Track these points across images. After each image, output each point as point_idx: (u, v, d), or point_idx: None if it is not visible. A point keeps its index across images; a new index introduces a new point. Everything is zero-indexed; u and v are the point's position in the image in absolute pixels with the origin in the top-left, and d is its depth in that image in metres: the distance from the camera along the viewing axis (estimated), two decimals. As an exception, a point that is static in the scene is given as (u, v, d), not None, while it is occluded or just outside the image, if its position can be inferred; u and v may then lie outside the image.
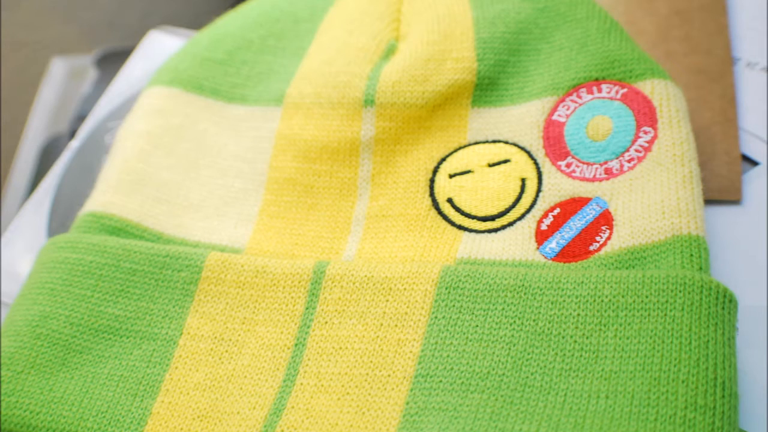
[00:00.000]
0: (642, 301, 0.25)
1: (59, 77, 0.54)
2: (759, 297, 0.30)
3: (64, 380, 0.28)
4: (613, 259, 0.28)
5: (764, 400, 0.28)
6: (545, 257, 0.29)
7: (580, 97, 0.32)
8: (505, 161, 0.32)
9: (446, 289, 0.27)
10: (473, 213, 0.31)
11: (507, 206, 0.31)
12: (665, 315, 0.25)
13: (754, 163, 0.33)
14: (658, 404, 0.23)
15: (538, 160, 0.31)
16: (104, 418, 0.27)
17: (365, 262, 0.30)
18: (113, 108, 0.44)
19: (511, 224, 0.30)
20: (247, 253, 0.32)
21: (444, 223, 0.31)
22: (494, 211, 0.31)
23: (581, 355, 0.25)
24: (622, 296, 0.26)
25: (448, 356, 0.26)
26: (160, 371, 0.28)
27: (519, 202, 0.31)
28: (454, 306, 0.27)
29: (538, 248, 0.30)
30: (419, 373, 0.26)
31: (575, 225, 0.29)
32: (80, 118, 0.49)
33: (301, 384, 0.27)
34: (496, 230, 0.31)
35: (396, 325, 0.27)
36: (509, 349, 0.26)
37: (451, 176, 0.32)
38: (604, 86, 0.32)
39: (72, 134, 0.48)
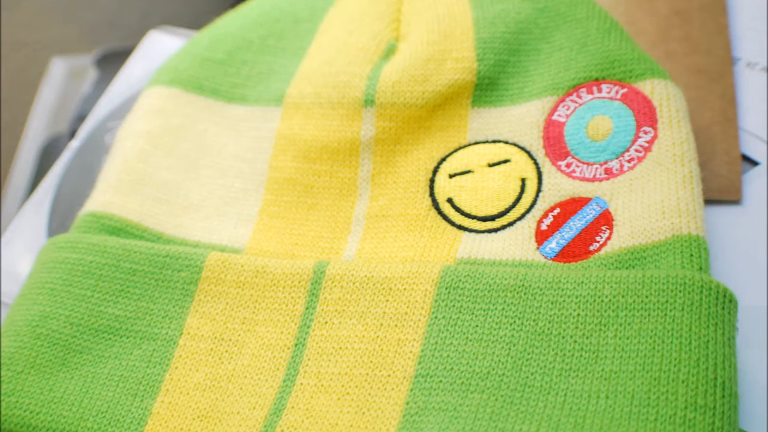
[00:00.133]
0: (642, 301, 0.25)
1: (59, 77, 0.54)
2: (759, 297, 0.30)
3: (64, 380, 0.28)
4: (613, 259, 0.28)
5: (764, 400, 0.28)
6: (545, 257, 0.29)
7: (580, 97, 0.32)
8: (505, 161, 0.32)
9: (446, 289, 0.27)
10: (473, 213, 0.31)
11: (507, 206, 0.31)
12: (665, 315, 0.25)
13: (754, 163, 0.33)
14: (658, 404, 0.23)
15: (538, 160, 0.31)
16: (104, 418, 0.27)
17: (365, 262, 0.30)
18: (113, 108, 0.44)
19: (511, 224, 0.30)
20: (247, 253, 0.32)
21: (444, 223, 0.31)
22: (494, 211, 0.31)
23: (581, 355, 0.25)
24: (622, 296, 0.26)
25: (448, 356, 0.26)
26: (160, 371, 0.28)
27: (519, 202, 0.31)
28: (454, 306, 0.27)
29: (538, 248, 0.30)
30: (419, 373, 0.26)
31: (575, 225, 0.29)
32: (80, 118, 0.49)
33: (301, 384, 0.27)
34: (496, 230, 0.31)
35: (396, 325, 0.27)
36: (509, 349, 0.26)
37: (451, 176, 0.32)
38: (604, 86, 0.32)
39: (72, 134, 0.48)
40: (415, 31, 0.35)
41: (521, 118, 0.32)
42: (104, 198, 0.33)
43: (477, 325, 0.27)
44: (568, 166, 0.31)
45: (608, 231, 0.29)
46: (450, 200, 0.32)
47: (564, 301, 0.26)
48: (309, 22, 0.38)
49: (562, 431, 0.24)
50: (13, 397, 0.28)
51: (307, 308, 0.29)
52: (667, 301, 0.25)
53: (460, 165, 0.32)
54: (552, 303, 0.26)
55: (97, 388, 0.28)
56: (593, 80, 0.32)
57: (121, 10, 0.67)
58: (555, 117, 0.32)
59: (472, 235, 0.31)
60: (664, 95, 0.31)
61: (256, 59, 0.37)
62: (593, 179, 0.30)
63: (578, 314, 0.26)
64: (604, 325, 0.25)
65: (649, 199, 0.29)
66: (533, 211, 0.30)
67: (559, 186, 0.31)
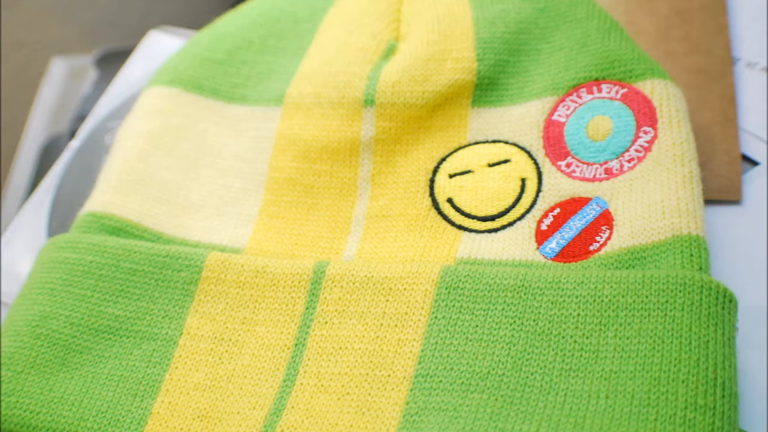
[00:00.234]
0: (642, 301, 0.25)
1: (59, 77, 0.54)
2: (759, 297, 0.30)
3: (64, 380, 0.28)
4: (613, 259, 0.28)
5: (764, 400, 0.28)
6: (545, 257, 0.29)
7: (580, 97, 0.32)
8: (505, 161, 0.32)
9: (446, 289, 0.27)
10: (473, 213, 0.31)
11: (507, 206, 0.31)
12: (665, 315, 0.25)
13: (754, 163, 0.33)
14: (658, 404, 0.23)
15: (538, 160, 0.31)
16: (104, 418, 0.27)
17: (365, 262, 0.30)
18: (113, 108, 0.44)
19: (511, 224, 0.30)
20: (247, 253, 0.32)
21: (444, 223, 0.31)
22: (494, 211, 0.31)
23: (581, 355, 0.25)
24: (622, 296, 0.26)
25: (448, 356, 0.26)
26: (160, 371, 0.28)
27: (519, 202, 0.31)
28: (454, 306, 0.27)
29: (538, 248, 0.30)
30: (419, 373, 0.26)
31: (575, 225, 0.29)
32: (80, 118, 0.49)
33: (301, 384, 0.27)
34: (496, 230, 0.31)
35: (396, 325, 0.27)
36: (509, 349, 0.26)
37: (451, 176, 0.32)
38: (604, 86, 0.32)
39: (72, 134, 0.48)
40: (415, 31, 0.35)
41: (521, 118, 0.32)
42: (104, 198, 0.33)
43: (477, 325, 0.27)
44: (568, 166, 0.31)
45: (608, 231, 0.29)
46: (450, 200, 0.32)
47: (564, 301, 0.26)
48: (309, 22, 0.38)
49: (562, 431, 0.24)
50: (13, 397, 0.28)
51: (307, 308, 0.29)
52: (667, 301, 0.25)
53: (460, 165, 0.32)
54: (552, 303, 0.26)
55: (97, 388, 0.28)
56: (593, 80, 0.32)
57: (121, 10, 0.67)
58: (555, 117, 0.32)
59: (472, 235, 0.31)
60: (664, 95, 0.31)
61: (256, 59, 0.37)
62: (593, 179, 0.30)
63: (578, 314, 0.26)
64: (604, 325, 0.25)
65: (649, 199, 0.29)
66: (533, 211, 0.30)
67: (559, 186, 0.31)
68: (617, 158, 0.30)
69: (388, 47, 0.35)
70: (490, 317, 0.27)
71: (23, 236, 0.40)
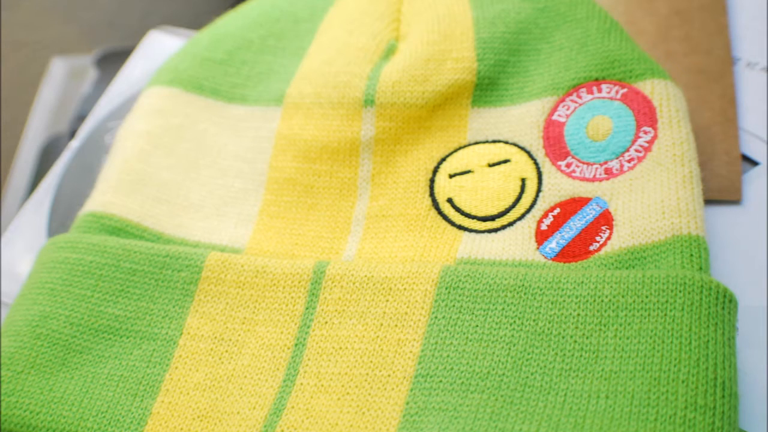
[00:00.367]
0: (642, 301, 0.25)
1: (59, 77, 0.54)
2: (759, 297, 0.30)
3: (64, 380, 0.28)
4: (613, 259, 0.28)
5: (764, 400, 0.28)
6: (545, 257, 0.29)
7: (580, 97, 0.32)
8: (505, 161, 0.32)
9: (446, 289, 0.27)
10: (473, 213, 0.31)
11: (507, 206, 0.31)
12: (665, 315, 0.25)
13: (754, 163, 0.33)
14: (658, 404, 0.23)
15: (538, 160, 0.31)
16: (104, 418, 0.27)
17: (365, 262, 0.30)
18: (113, 108, 0.44)
19: (511, 224, 0.30)
20: (247, 253, 0.32)
21: (444, 223, 0.31)
22: (494, 211, 0.31)
23: (581, 355, 0.25)
24: (622, 296, 0.26)
25: (448, 356, 0.26)
26: (160, 371, 0.28)
27: (519, 202, 0.31)
28: (454, 306, 0.27)
29: (538, 248, 0.30)
30: (419, 373, 0.26)
31: (575, 225, 0.29)
32: (80, 118, 0.49)
33: (301, 384, 0.27)
34: (496, 230, 0.31)
35: (396, 325, 0.27)
36: (509, 349, 0.26)
37: (451, 176, 0.32)
38: (604, 86, 0.32)
39: (72, 134, 0.48)
40: (415, 31, 0.35)
41: (521, 118, 0.32)
42: (104, 198, 0.33)
43: (477, 325, 0.27)
44: (568, 166, 0.31)
45: (608, 231, 0.29)
46: (450, 200, 0.32)
47: (564, 301, 0.26)
48: (309, 22, 0.38)
49: (562, 431, 0.24)
50: (13, 397, 0.28)
51: (307, 308, 0.29)
52: (667, 301, 0.25)
53: (460, 165, 0.32)
54: (552, 303, 0.26)
55: (97, 388, 0.28)
56: (593, 80, 0.32)
57: (121, 10, 0.67)
58: (555, 117, 0.32)
59: (472, 235, 0.31)
60: (664, 95, 0.31)
61: (256, 59, 0.37)
62: (593, 179, 0.30)
63: (578, 314, 0.26)
64: (604, 325, 0.25)
65: (649, 199, 0.29)
66: (533, 211, 0.30)
67: (559, 186, 0.31)
68: (617, 158, 0.30)
69: (388, 47, 0.35)
70: (490, 317, 0.27)
71: (23, 236, 0.40)
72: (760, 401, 0.28)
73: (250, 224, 0.33)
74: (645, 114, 0.31)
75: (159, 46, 0.46)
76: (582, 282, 0.26)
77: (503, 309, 0.27)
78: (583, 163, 0.31)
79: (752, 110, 0.34)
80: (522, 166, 0.31)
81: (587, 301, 0.26)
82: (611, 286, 0.26)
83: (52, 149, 0.50)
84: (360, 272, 0.29)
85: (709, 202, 0.32)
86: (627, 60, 0.32)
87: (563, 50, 0.33)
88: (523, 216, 0.30)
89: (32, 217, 0.40)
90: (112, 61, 0.52)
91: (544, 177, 0.31)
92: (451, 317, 0.27)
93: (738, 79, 0.35)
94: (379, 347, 0.27)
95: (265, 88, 0.36)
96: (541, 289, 0.27)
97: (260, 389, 0.27)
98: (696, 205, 0.28)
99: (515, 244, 0.30)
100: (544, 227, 0.30)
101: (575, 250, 0.29)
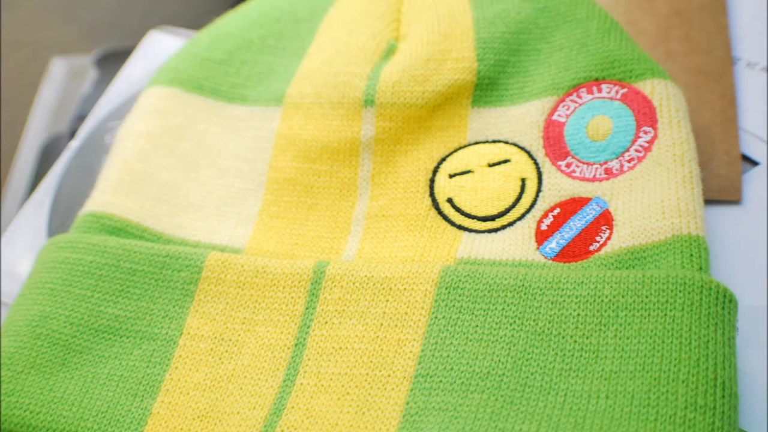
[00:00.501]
0: (642, 301, 0.25)
1: (59, 77, 0.54)
2: (759, 297, 0.30)
3: (64, 380, 0.28)
4: (613, 259, 0.28)
5: (764, 400, 0.28)
6: (545, 257, 0.29)
7: (580, 97, 0.32)
8: (505, 161, 0.32)
9: (446, 289, 0.27)
10: (473, 213, 0.31)
11: (507, 206, 0.31)
12: (665, 315, 0.25)
13: (754, 163, 0.33)
14: (658, 404, 0.23)
15: (538, 160, 0.31)
16: (104, 418, 0.27)
17: (365, 262, 0.30)
18: (113, 108, 0.44)
19: (511, 224, 0.30)
20: (247, 253, 0.32)
21: (444, 223, 0.31)
22: (494, 211, 0.31)
23: (581, 355, 0.25)
24: (622, 296, 0.26)
25: (448, 356, 0.26)
26: (160, 371, 0.28)
27: (519, 202, 0.31)
28: (454, 306, 0.27)
29: (538, 248, 0.30)
30: (419, 373, 0.26)
31: (575, 225, 0.29)
32: (80, 118, 0.49)
33: (301, 384, 0.27)
34: (496, 230, 0.31)
35: (396, 325, 0.27)
36: (509, 349, 0.26)
37: (451, 176, 0.32)
38: (604, 86, 0.32)
39: (72, 134, 0.48)
40: (415, 31, 0.35)
41: (521, 118, 0.32)
42: (104, 198, 0.33)
43: (477, 325, 0.27)
44: (568, 166, 0.31)
45: (608, 231, 0.29)
46: (450, 200, 0.32)
47: (564, 301, 0.26)
48: (309, 22, 0.38)
49: (562, 431, 0.24)
50: (13, 397, 0.28)
51: (307, 308, 0.29)
52: (667, 301, 0.25)
53: (460, 165, 0.32)
54: (552, 303, 0.26)
55: (97, 388, 0.28)
56: (593, 80, 0.32)
57: (121, 10, 0.67)
58: (555, 117, 0.32)
59: (472, 235, 0.31)
60: (664, 95, 0.31)
61: (256, 59, 0.37)
62: (593, 179, 0.30)
63: (578, 314, 0.26)
64: (604, 325, 0.25)
65: (649, 199, 0.29)
66: (533, 211, 0.30)
67: (559, 186, 0.31)
68: (617, 158, 0.30)
69: (388, 47, 0.35)
70: (490, 317, 0.27)
71: (23, 236, 0.40)
72: (760, 401, 0.28)
73: (250, 224, 0.33)
74: (645, 114, 0.31)
75: (159, 46, 0.46)
76: (582, 282, 0.26)
77: (503, 309, 0.27)
78: (583, 163, 0.31)
79: (752, 110, 0.34)
80: (522, 166, 0.31)
81: (587, 301, 0.26)
82: (611, 286, 0.26)
83: (52, 149, 0.50)
84: (360, 272, 0.29)
85: (709, 202, 0.32)
86: (627, 60, 0.32)
87: (563, 50, 0.33)
88: (523, 216, 0.30)
89: (32, 217, 0.40)
90: (112, 61, 0.52)
91: (544, 177, 0.31)
92: (451, 317, 0.27)
93: (738, 79, 0.35)
94: (379, 347, 0.27)
95: (265, 88, 0.36)
96: (541, 289, 0.27)
97: (260, 389, 0.27)
98: (696, 205, 0.28)
99: (515, 244, 0.30)
100: (544, 227, 0.30)
101: (575, 250, 0.29)
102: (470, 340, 0.26)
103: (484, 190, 0.31)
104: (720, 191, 0.32)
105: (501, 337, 0.26)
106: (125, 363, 0.29)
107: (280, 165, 0.34)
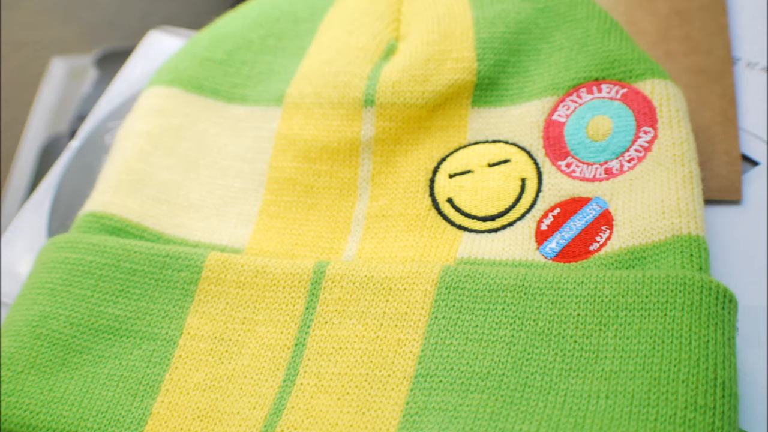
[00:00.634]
0: (642, 301, 0.25)
1: (59, 77, 0.54)
2: (759, 297, 0.30)
3: (64, 380, 0.28)
4: (613, 259, 0.28)
5: (764, 400, 0.28)
6: (545, 257, 0.29)
7: (580, 97, 0.32)
8: (505, 161, 0.32)
9: (446, 289, 0.27)
10: (473, 213, 0.31)
11: (507, 206, 0.31)
12: (665, 315, 0.25)
13: (754, 163, 0.33)
14: (658, 404, 0.23)
15: (538, 160, 0.31)
16: (104, 418, 0.27)
17: (365, 262, 0.30)
18: (113, 108, 0.44)
19: (511, 224, 0.30)
20: (247, 253, 0.32)
21: (444, 223, 0.31)
22: (494, 211, 0.31)
23: (581, 355, 0.25)
24: (622, 296, 0.26)
25: (448, 356, 0.26)
26: (160, 371, 0.28)
27: (519, 202, 0.31)
28: (454, 306, 0.27)
29: (538, 248, 0.30)
30: (419, 373, 0.26)
31: (575, 225, 0.29)
32: (80, 118, 0.49)
33: (301, 384, 0.27)
34: (496, 230, 0.31)
35: (396, 325, 0.27)
36: (509, 349, 0.26)
37: (451, 176, 0.32)
38: (604, 86, 0.32)
39: (72, 134, 0.48)
40: (415, 31, 0.35)
41: (521, 118, 0.32)
42: (104, 198, 0.33)
43: (477, 325, 0.27)
44: (568, 166, 0.31)
45: (608, 231, 0.29)
46: (450, 200, 0.32)
47: (564, 301, 0.26)
48: (309, 22, 0.38)
49: (562, 431, 0.24)
50: (13, 397, 0.28)
51: (307, 308, 0.29)
52: (667, 301, 0.25)
53: (460, 165, 0.32)
54: (552, 303, 0.26)
55: (97, 388, 0.28)
56: (593, 80, 0.32)
57: (121, 10, 0.67)
58: (555, 117, 0.32)
59: (472, 235, 0.31)
60: (664, 95, 0.31)
61: (256, 59, 0.37)
62: (593, 179, 0.30)
63: (578, 314, 0.26)
64: (604, 325, 0.25)
65: (649, 199, 0.29)
66: (533, 211, 0.30)
67: (559, 186, 0.31)
68: (617, 158, 0.30)
69: (388, 47, 0.35)
70: (490, 317, 0.27)
71: (23, 236, 0.40)
72: (760, 401, 0.28)
73: (250, 224, 0.33)
74: (645, 114, 0.31)
75: (159, 46, 0.46)
76: (582, 282, 0.26)
77: (503, 309, 0.27)
78: (583, 163, 0.31)
79: (752, 110, 0.34)
80: (522, 166, 0.31)
81: (587, 301, 0.26)
82: (611, 286, 0.26)
83: (52, 149, 0.50)
84: (360, 272, 0.29)
85: (709, 202, 0.32)
86: (627, 60, 0.32)
87: (563, 50, 0.33)
88: (523, 216, 0.30)
89: (32, 217, 0.40)
90: (112, 61, 0.52)
91: (544, 177, 0.31)
92: (451, 317, 0.27)
93: (738, 79, 0.35)
94: (379, 347, 0.27)
95: (265, 88, 0.36)
96: (541, 289, 0.27)
97: (260, 389, 0.27)
98: (696, 205, 0.28)
99: (515, 244, 0.30)
100: (544, 227, 0.30)
101: (575, 250, 0.29)
102: (470, 340, 0.26)
103: (484, 190, 0.31)
104: (720, 191, 0.32)
105: (501, 337, 0.26)
106: (125, 363, 0.29)
107: (280, 165, 0.34)
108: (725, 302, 0.25)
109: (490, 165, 0.32)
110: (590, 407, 0.24)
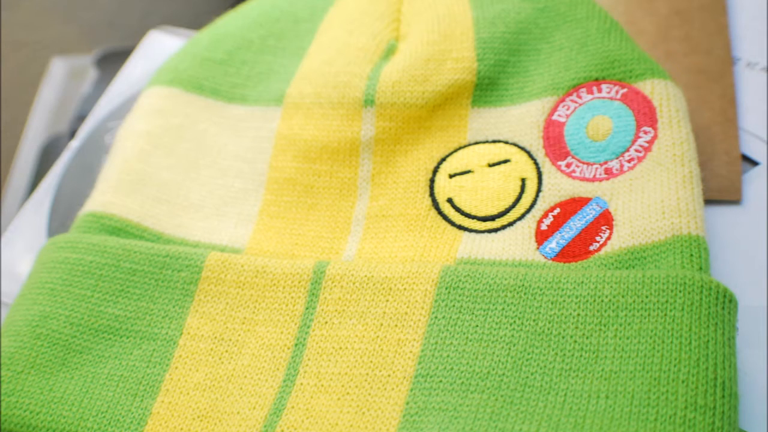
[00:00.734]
0: (642, 301, 0.25)
1: (59, 77, 0.54)
2: (759, 297, 0.30)
3: (64, 380, 0.28)
4: (613, 259, 0.28)
5: (764, 400, 0.28)
6: (545, 257, 0.29)
7: (580, 97, 0.32)
8: (505, 161, 0.32)
9: (446, 289, 0.27)
10: (473, 213, 0.31)
11: (507, 206, 0.31)
12: (665, 315, 0.25)
13: (754, 163, 0.33)
14: (658, 404, 0.23)
15: (538, 160, 0.31)
16: (104, 418, 0.27)
17: (365, 262, 0.30)
18: (113, 108, 0.44)
19: (511, 224, 0.30)
20: (247, 253, 0.32)
21: (444, 223, 0.31)
22: (494, 211, 0.31)
23: (581, 355, 0.25)
24: (622, 296, 0.26)
25: (448, 356, 0.26)
26: (160, 371, 0.28)
27: (519, 202, 0.31)
28: (454, 306, 0.27)
29: (538, 248, 0.30)
30: (419, 373, 0.26)
31: (575, 225, 0.29)
32: (80, 118, 0.49)
33: (301, 384, 0.27)
34: (496, 230, 0.31)
35: (396, 325, 0.27)
36: (509, 349, 0.26)
37: (451, 176, 0.32)
38: (604, 86, 0.32)
39: (72, 134, 0.48)
40: (415, 31, 0.35)
41: (521, 118, 0.32)
42: (104, 198, 0.33)
43: (477, 325, 0.27)
44: (568, 166, 0.31)
45: (608, 231, 0.29)
46: (450, 200, 0.32)
47: (564, 301, 0.26)
48: (309, 22, 0.38)
49: (562, 431, 0.24)
50: (13, 397, 0.28)
51: (307, 308, 0.29)
52: (667, 301, 0.25)
53: (460, 165, 0.32)
54: (552, 303, 0.26)
55: (97, 388, 0.28)
56: (593, 80, 0.32)
57: (121, 10, 0.67)
58: (555, 117, 0.32)
59: (472, 235, 0.31)
60: (664, 95, 0.31)
61: (256, 59, 0.37)
62: (593, 179, 0.30)
63: (578, 314, 0.26)
64: (604, 325, 0.25)
65: (649, 199, 0.29)
66: (533, 211, 0.30)
67: (559, 186, 0.31)
68: (617, 158, 0.30)
69: (388, 47, 0.35)
70: (490, 317, 0.27)
71: (23, 236, 0.40)
72: (760, 401, 0.28)
73: (250, 224, 0.33)
74: (645, 114, 0.31)
75: (159, 46, 0.46)
76: (582, 282, 0.26)
77: (503, 309, 0.27)
78: (583, 163, 0.31)
79: (752, 110, 0.34)
80: (522, 166, 0.31)
81: (587, 301, 0.26)
82: (611, 286, 0.26)
83: (52, 149, 0.50)
84: (360, 272, 0.29)
85: (709, 202, 0.32)
86: (627, 60, 0.32)
87: (563, 50, 0.33)
88: (523, 216, 0.30)
89: (32, 217, 0.40)
90: (112, 61, 0.52)
91: (544, 177, 0.31)
92: (451, 317, 0.27)
93: (738, 79, 0.35)
94: (379, 347, 0.27)
95: (265, 88, 0.36)
96: (541, 289, 0.27)
97: (260, 389, 0.27)
98: (696, 205, 0.28)
99: (515, 244, 0.30)
100: (544, 227, 0.30)
101: (575, 250, 0.29)
102: (470, 340, 0.26)
103: (484, 190, 0.31)
104: (720, 191, 0.32)
105: (501, 337, 0.26)
106: (125, 363, 0.29)
107: (280, 165, 0.34)
108: (725, 302, 0.25)
109: (490, 165, 0.32)
110: (590, 407, 0.24)
